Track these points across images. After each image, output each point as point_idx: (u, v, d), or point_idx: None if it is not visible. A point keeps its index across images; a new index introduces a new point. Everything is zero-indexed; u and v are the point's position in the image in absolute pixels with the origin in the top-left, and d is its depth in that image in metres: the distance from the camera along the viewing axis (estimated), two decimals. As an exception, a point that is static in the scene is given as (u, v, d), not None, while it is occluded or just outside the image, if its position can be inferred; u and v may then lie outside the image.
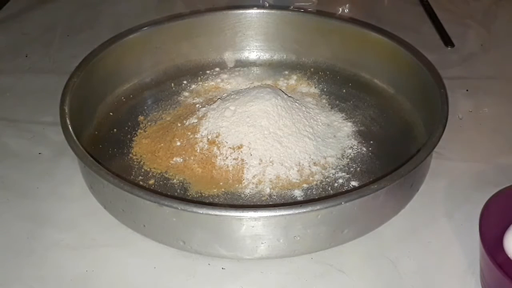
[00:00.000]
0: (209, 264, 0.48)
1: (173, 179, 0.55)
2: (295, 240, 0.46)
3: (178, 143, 0.57)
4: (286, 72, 0.70)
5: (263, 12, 0.70)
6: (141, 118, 0.62)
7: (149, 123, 0.62)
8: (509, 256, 0.45)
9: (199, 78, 0.68)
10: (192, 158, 0.56)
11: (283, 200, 0.53)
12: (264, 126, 0.56)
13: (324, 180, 0.54)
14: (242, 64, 0.71)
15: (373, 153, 0.58)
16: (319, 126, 0.59)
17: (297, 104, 0.60)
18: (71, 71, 0.59)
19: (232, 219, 0.45)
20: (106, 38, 0.66)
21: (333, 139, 0.59)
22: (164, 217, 0.46)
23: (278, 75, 0.69)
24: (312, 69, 0.69)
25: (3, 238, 0.51)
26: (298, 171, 0.55)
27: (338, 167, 0.56)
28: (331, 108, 0.64)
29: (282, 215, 0.45)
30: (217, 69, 0.70)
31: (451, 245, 0.50)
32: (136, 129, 0.61)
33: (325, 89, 0.67)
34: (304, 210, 0.44)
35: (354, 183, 0.54)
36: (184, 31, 0.68)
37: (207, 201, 0.52)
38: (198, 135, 0.57)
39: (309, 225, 0.46)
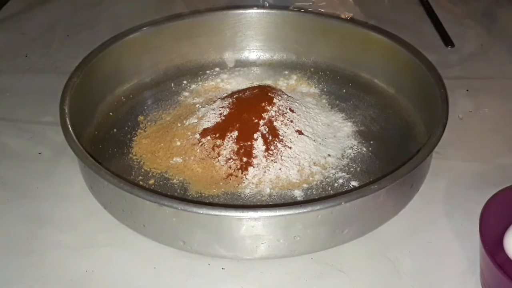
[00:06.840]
0: (209, 264, 0.48)
1: (173, 179, 0.55)
2: (295, 240, 0.46)
3: (178, 143, 0.57)
4: (286, 72, 0.70)
5: (263, 12, 0.69)
6: (141, 118, 0.62)
7: (149, 123, 0.62)
8: (509, 256, 0.45)
9: (199, 78, 0.68)
10: (192, 158, 0.56)
11: (283, 200, 0.53)
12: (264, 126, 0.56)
13: (324, 180, 0.54)
14: (242, 64, 0.71)
15: (373, 153, 0.58)
16: (319, 126, 0.59)
17: (297, 104, 0.60)
18: (71, 71, 0.59)
19: (232, 219, 0.45)
20: (106, 38, 0.66)
21: (333, 139, 0.59)
22: (164, 217, 0.46)
23: (278, 75, 0.69)
24: (312, 69, 0.69)
25: (3, 238, 0.50)
26: (298, 171, 0.55)
27: (338, 167, 0.56)
28: (331, 108, 0.64)
29: (282, 215, 0.45)
30: (217, 69, 0.70)
31: (451, 245, 0.50)
32: (136, 129, 0.61)
33: (325, 89, 0.67)
34: (304, 210, 0.44)
35: (354, 183, 0.54)
36: (184, 31, 0.68)
37: (207, 201, 0.52)
38: (198, 135, 0.57)
39: (309, 225, 0.46)
